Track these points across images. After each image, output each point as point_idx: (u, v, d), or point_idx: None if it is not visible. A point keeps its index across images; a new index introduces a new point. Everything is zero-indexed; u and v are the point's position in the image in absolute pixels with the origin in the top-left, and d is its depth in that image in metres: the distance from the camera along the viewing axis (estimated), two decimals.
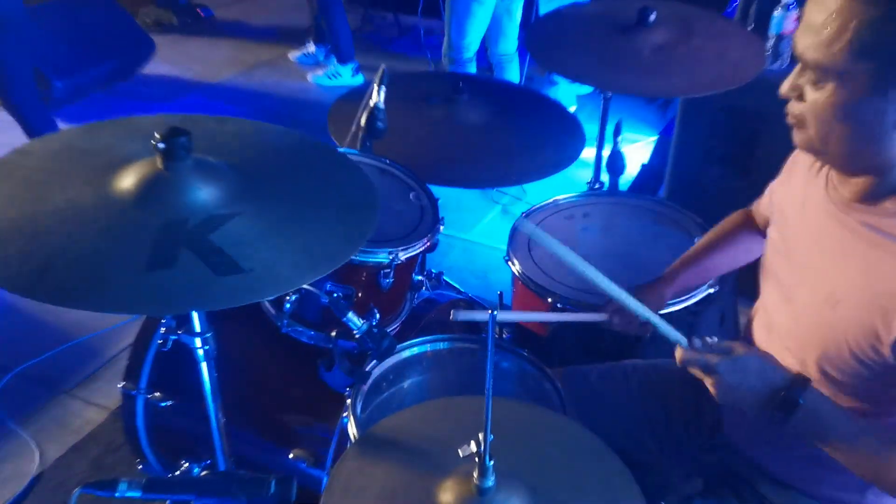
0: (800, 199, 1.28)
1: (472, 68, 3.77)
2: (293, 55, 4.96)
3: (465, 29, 3.61)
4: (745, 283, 1.75)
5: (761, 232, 1.52)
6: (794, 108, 1.12)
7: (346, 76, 4.63)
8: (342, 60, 4.60)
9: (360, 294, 1.53)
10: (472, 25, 3.60)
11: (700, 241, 1.62)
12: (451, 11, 3.60)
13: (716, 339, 1.20)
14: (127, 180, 1.12)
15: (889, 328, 1.07)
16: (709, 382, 1.16)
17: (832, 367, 1.17)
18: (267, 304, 1.63)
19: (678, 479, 1.46)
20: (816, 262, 1.20)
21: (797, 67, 1.10)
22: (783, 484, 1.33)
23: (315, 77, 4.66)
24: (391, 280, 1.54)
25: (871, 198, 1.13)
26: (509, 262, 1.85)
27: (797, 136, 1.15)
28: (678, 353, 1.20)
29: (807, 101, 1.09)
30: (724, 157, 2.64)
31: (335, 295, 1.50)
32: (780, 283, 1.30)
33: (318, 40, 4.87)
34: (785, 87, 1.12)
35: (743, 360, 1.14)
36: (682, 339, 1.20)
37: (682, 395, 1.51)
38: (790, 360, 1.22)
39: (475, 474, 0.98)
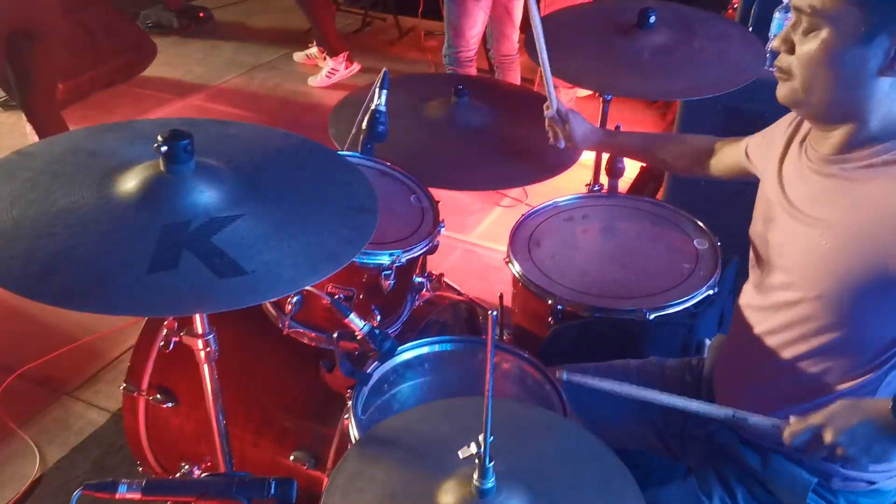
0: (774, 167, 1.37)
1: (472, 68, 3.78)
2: (298, 56, 4.96)
3: (463, 28, 3.61)
4: (743, 284, 1.75)
5: (700, 160, 1.69)
6: (782, 60, 1.21)
7: (341, 69, 4.64)
8: (332, 54, 4.62)
9: (361, 295, 1.54)
10: (470, 24, 3.61)
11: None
12: (449, 11, 3.61)
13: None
14: (129, 183, 1.13)
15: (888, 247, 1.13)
16: (829, 439, 1.16)
17: (832, 303, 1.22)
18: (268, 306, 1.63)
19: (679, 479, 1.47)
20: (806, 212, 1.26)
21: (790, 22, 1.19)
22: (770, 449, 1.36)
23: (313, 80, 4.66)
24: (392, 282, 1.54)
25: (846, 149, 1.21)
26: (509, 264, 1.86)
27: (780, 90, 1.23)
28: (786, 434, 1.21)
29: (796, 52, 1.17)
30: None
31: (336, 296, 1.50)
32: (767, 243, 1.36)
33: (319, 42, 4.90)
34: (777, 41, 1.21)
35: (833, 409, 1.18)
36: (779, 421, 1.23)
37: (679, 388, 1.53)
38: (790, 309, 1.28)
39: (475, 476, 0.98)
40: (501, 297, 2.12)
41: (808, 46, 1.15)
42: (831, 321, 1.23)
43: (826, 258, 1.21)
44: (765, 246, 1.37)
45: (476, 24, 3.63)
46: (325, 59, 4.78)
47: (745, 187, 2.64)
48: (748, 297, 1.43)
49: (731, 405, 1.32)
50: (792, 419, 1.21)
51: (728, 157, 1.61)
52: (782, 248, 1.32)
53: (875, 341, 1.21)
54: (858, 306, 1.19)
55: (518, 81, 3.98)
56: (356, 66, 4.69)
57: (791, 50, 1.18)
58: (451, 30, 3.65)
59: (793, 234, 1.29)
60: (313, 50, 4.91)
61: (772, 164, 1.38)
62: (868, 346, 1.22)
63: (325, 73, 4.64)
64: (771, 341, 1.33)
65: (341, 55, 4.63)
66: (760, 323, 1.36)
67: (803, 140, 1.32)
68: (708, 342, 1.81)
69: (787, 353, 1.30)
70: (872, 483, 1.32)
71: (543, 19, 1.75)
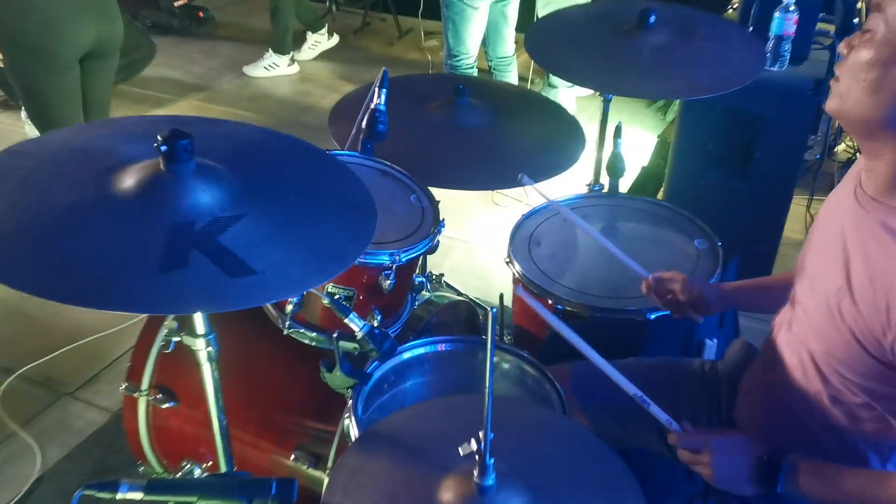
0: (833, 203, 1.31)
1: (474, 74, 3.77)
2: (297, 56, 4.97)
3: (463, 35, 3.60)
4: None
5: None
6: (837, 67, 1.16)
7: (283, 66, 4.79)
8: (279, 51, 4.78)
9: (361, 295, 1.54)
10: (469, 30, 3.60)
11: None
12: (448, 19, 3.59)
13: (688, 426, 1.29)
14: (128, 182, 1.13)
15: (890, 324, 1.09)
16: (704, 462, 1.23)
17: (838, 361, 1.19)
18: (269, 306, 1.63)
19: (680, 480, 1.47)
20: (833, 257, 1.21)
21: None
22: None
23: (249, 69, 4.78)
24: (392, 281, 1.54)
25: (889, 190, 1.14)
26: (509, 264, 1.86)
27: (829, 100, 1.18)
28: (671, 438, 1.28)
29: (848, 59, 1.13)
30: (723, 160, 2.65)
31: (337, 296, 1.50)
32: (801, 281, 1.32)
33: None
34: (842, 44, 1.16)
35: (725, 439, 1.24)
36: (673, 423, 1.29)
37: (691, 390, 1.54)
38: (803, 353, 1.25)
39: (476, 473, 0.98)
40: (501, 296, 2.12)
41: (859, 50, 1.11)
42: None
43: (836, 314, 1.17)
44: (798, 275, 1.34)
45: (475, 30, 3.62)
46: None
47: (744, 189, 2.65)
48: (783, 324, 1.37)
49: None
50: (686, 426, 1.29)
51: None
52: (806, 282, 1.29)
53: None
54: (861, 372, 1.17)
55: (515, 83, 3.98)
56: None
57: (848, 53, 1.15)
58: (452, 37, 3.63)
59: (817, 270, 1.25)
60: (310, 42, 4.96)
61: (826, 204, 1.34)
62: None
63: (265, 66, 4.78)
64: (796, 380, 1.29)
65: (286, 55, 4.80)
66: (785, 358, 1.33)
67: (858, 175, 1.24)
68: (708, 343, 1.81)
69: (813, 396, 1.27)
70: None
71: (544, 19, 1.75)
